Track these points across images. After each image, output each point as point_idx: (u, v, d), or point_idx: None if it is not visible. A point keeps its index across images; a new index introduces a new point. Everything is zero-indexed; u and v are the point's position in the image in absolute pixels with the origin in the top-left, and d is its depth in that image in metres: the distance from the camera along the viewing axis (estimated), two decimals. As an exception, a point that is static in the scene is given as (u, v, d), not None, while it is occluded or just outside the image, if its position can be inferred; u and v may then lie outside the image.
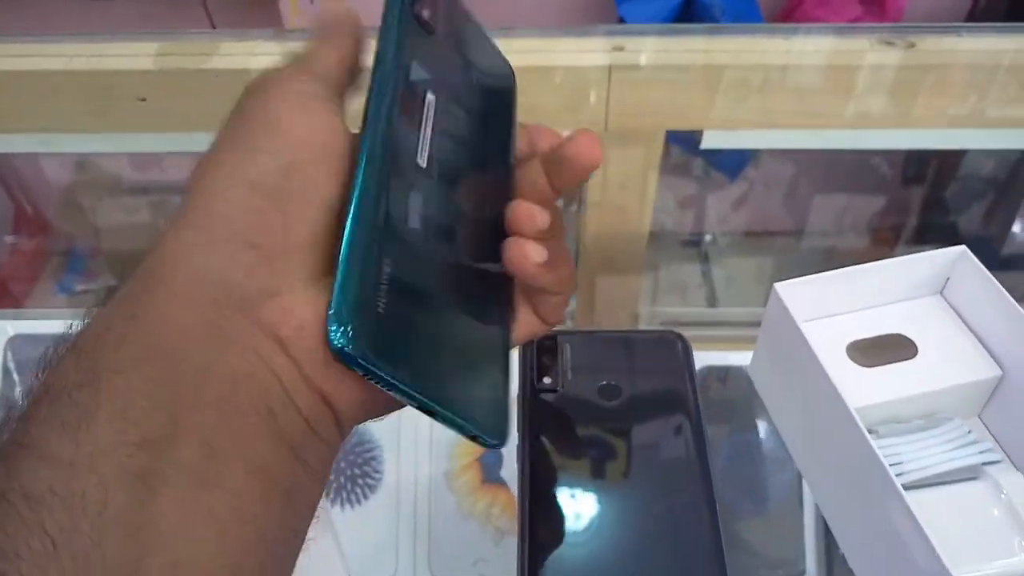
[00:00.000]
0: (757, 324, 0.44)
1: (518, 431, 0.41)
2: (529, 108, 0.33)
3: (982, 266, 0.40)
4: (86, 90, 0.52)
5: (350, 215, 0.23)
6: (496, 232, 0.28)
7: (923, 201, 1.09)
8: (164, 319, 0.22)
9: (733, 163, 1.16)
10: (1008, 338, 0.40)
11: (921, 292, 0.43)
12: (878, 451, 0.34)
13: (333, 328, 0.22)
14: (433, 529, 0.54)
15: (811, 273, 0.41)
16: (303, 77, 0.26)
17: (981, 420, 0.42)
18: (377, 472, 0.55)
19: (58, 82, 0.52)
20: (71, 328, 0.22)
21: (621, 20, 1.08)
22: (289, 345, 0.23)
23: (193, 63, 0.53)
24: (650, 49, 0.60)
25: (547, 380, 0.43)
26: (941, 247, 0.42)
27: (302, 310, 0.23)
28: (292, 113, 0.25)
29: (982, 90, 0.61)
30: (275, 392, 0.22)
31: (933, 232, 1.10)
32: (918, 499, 0.37)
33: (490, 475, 0.52)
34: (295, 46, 0.28)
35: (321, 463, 0.24)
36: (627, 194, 0.68)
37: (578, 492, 0.39)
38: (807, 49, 0.60)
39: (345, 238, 0.23)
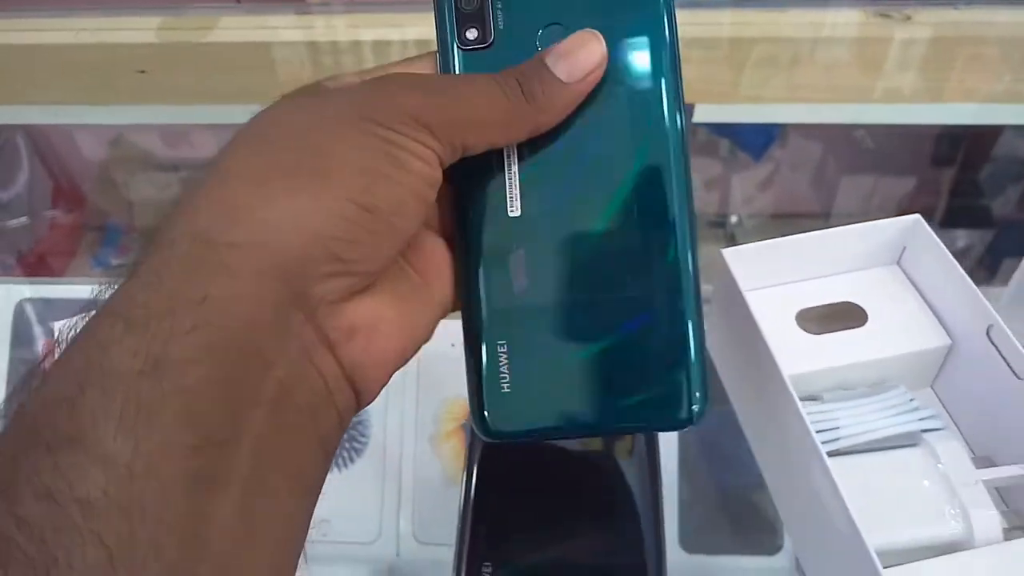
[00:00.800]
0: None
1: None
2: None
3: (934, 235, 0.41)
4: (90, 63, 0.55)
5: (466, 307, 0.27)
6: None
7: (954, 183, 1.07)
8: (235, 306, 0.20)
9: (758, 143, 1.15)
10: (958, 309, 0.40)
11: (877, 262, 0.43)
12: (805, 415, 0.35)
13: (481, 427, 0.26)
14: (417, 495, 0.55)
15: None
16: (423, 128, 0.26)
17: (933, 390, 0.42)
18: (363, 436, 0.57)
19: (64, 56, 0.55)
20: (108, 293, 0.21)
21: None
22: (338, 348, 0.23)
23: (194, 37, 0.56)
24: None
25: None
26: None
27: (355, 315, 0.24)
28: (411, 157, 0.24)
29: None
30: (321, 394, 0.23)
31: (965, 215, 1.07)
32: (855, 463, 0.38)
33: None
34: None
35: (335, 448, 0.25)
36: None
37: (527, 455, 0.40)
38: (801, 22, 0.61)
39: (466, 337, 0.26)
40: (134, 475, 0.18)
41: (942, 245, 0.40)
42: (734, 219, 1.19)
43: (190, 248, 0.21)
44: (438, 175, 0.25)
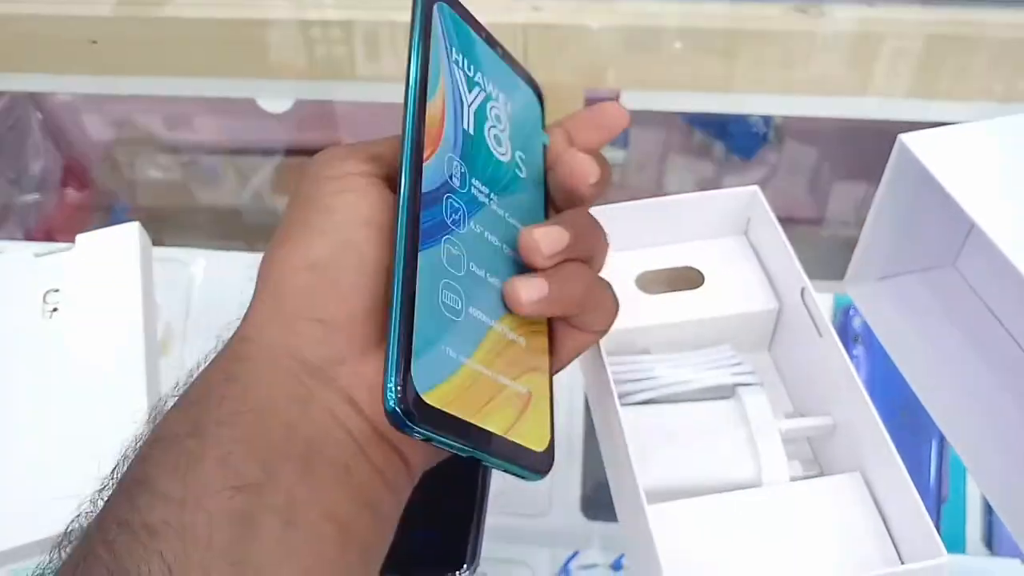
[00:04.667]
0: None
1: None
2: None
3: (767, 205, 0.43)
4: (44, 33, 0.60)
5: (393, 284, 0.25)
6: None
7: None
8: (254, 383, 0.25)
9: (747, 145, 1.17)
10: (783, 274, 0.42)
11: (725, 231, 0.45)
12: (607, 362, 0.37)
13: (387, 396, 0.24)
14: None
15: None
16: (354, 157, 0.29)
17: (770, 353, 0.44)
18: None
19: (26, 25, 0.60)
20: (176, 388, 0.27)
21: None
22: (363, 405, 0.26)
23: (146, 12, 0.60)
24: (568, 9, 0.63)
25: None
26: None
27: (371, 373, 0.25)
28: (342, 194, 0.27)
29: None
30: (350, 449, 0.25)
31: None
32: (670, 410, 0.40)
33: None
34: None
35: (393, 510, 0.27)
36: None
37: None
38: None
39: (391, 308, 0.25)
40: (185, 508, 0.22)
41: (772, 214, 0.42)
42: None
43: (222, 348, 0.27)
44: (373, 198, 0.27)
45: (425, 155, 0.27)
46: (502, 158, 0.31)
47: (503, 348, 0.27)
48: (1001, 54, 0.67)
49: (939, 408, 0.41)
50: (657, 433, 0.39)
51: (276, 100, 0.75)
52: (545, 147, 0.33)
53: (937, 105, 0.72)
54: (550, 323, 0.30)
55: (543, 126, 0.34)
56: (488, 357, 0.26)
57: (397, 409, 0.23)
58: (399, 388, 0.23)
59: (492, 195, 0.29)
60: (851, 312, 0.58)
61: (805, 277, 0.39)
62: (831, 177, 1.15)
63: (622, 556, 0.56)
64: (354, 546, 0.25)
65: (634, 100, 0.67)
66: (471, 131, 0.30)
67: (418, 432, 0.23)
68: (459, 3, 0.31)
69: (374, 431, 0.26)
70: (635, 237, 0.45)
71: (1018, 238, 0.34)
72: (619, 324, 0.41)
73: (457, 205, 0.28)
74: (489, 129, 0.31)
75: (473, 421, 0.25)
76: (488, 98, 0.31)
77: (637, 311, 0.43)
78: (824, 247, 1.15)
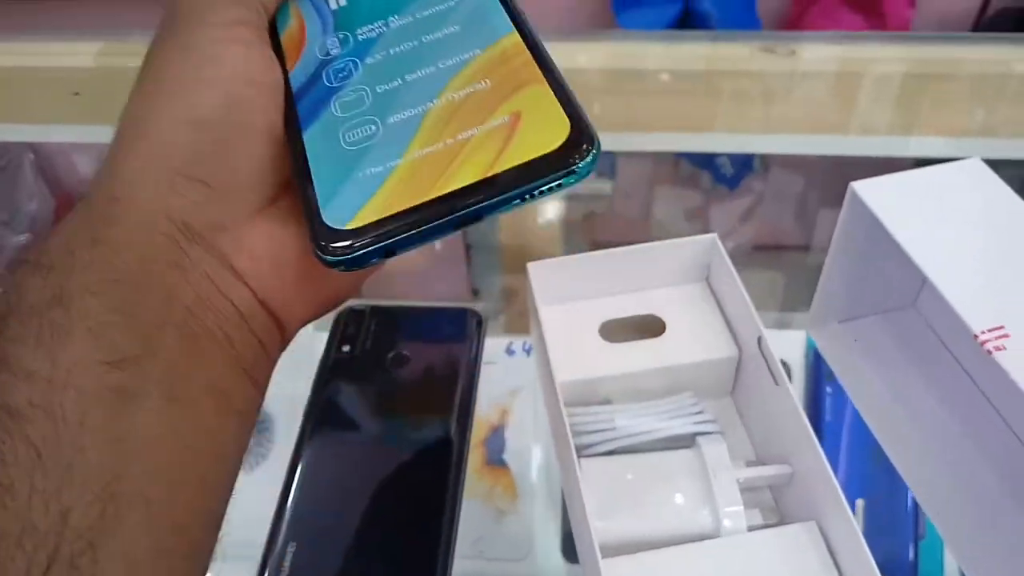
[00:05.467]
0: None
1: (311, 391, 0.47)
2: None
3: (724, 253, 0.43)
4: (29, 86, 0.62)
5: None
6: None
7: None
8: (127, 248, 0.23)
9: (733, 175, 1.17)
10: (741, 322, 0.42)
11: (687, 278, 0.46)
12: (565, 414, 0.38)
13: (317, 254, 0.23)
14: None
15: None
16: (243, 3, 0.27)
17: (732, 399, 0.45)
18: (269, 442, 0.61)
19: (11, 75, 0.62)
20: (21, 251, 0.25)
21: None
22: (246, 275, 0.25)
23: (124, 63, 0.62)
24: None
25: (347, 348, 0.48)
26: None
27: (256, 241, 0.25)
28: (229, 45, 0.25)
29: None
30: (233, 319, 0.24)
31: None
32: (629, 462, 0.40)
33: (493, 458, 0.55)
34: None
35: (266, 378, 0.26)
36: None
37: (344, 450, 0.44)
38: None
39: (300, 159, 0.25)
40: (54, 387, 0.20)
41: (728, 261, 0.42)
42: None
43: (80, 207, 0.24)
44: (263, 53, 0.26)
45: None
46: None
47: (454, 111, 0.25)
48: (975, 89, 0.68)
49: (901, 455, 0.41)
50: (616, 485, 0.39)
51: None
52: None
53: (916, 140, 0.73)
54: None
55: None
56: (431, 135, 0.25)
57: (329, 257, 0.23)
58: (320, 236, 0.23)
59: (393, 17, 0.29)
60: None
61: (761, 326, 0.40)
62: (818, 204, 1.16)
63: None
64: (233, 416, 0.24)
65: (618, 142, 0.68)
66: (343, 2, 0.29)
67: (367, 253, 0.23)
68: None
69: (256, 299, 0.25)
70: (601, 285, 0.45)
71: (967, 286, 0.34)
72: (581, 374, 0.42)
73: (341, 65, 0.27)
74: None
75: (428, 198, 0.23)
76: None
77: (600, 361, 0.43)
78: (811, 274, 1.15)
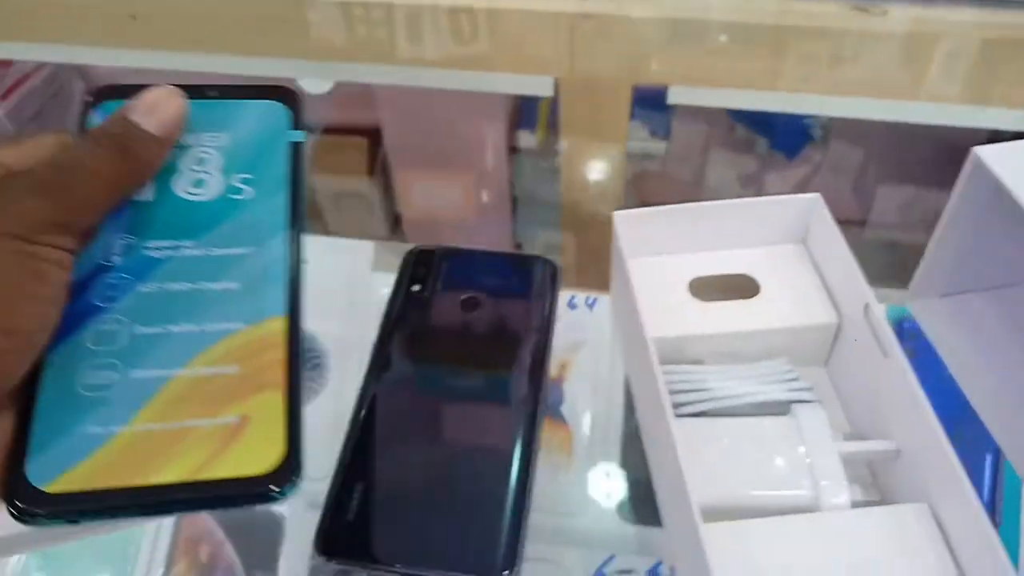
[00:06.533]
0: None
1: (379, 328, 0.45)
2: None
3: (829, 214, 0.41)
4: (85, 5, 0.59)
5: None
6: None
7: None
8: None
9: (792, 142, 1.14)
10: (844, 288, 0.40)
11: (783, 238, 0.43)
12: (659, 373, 0.36)
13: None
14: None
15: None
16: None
17: (827, 369, 0.42)
18: (322, 379, 0.60)
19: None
20: None
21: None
22: None
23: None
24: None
25: (416, 287, 0.46)
26: None
27: None
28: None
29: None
30: None
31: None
32: (723, 425, 0.38)
33: (551, 411, 0.52)
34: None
35: None
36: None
37: (414, 396, 0.42)
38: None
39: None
40: None
41: (834, 224, 0.40)
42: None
43: None
44: (70, 275, 0.26)
45: None
46: (202, 199, 0.30)
47: (193, 389, 0.26)
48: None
49: (1001, 430, 0.39)
50: (709, 447, 0.37)
51: (317, 81, 0.74)
52: (298, 144, 0.32)
53: (991, 111, 0.69)
54: None
55: (296, 126, 0.32)
56: (163, 409, 0.26)
57: (11, 510, 0.24)
58: (14, 492, 0.24)
59: (184, 242, 0.29)
60: (904, 326, 0.56)
61: (869, 291, 0.37)
62: (876, 179, 1.13)
63: (659, 563, 0.54)
64: None
65: (679, 95, 0.65)
66: (149, 197, 0.29)
67: (56, 520, 0.24)
68: (124, 87, 0.30)
69: None
70: (690, 240, 0.43)
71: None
72: (671, 331, 0.39)
73: (114, 282, 0.28)
74: (178, 181, 0.30)
75: (130, 484, 0.24)
76: (181, 149, 0.30)
77: (691, 318, 0.41)
78: (867, 250, 1.12)
